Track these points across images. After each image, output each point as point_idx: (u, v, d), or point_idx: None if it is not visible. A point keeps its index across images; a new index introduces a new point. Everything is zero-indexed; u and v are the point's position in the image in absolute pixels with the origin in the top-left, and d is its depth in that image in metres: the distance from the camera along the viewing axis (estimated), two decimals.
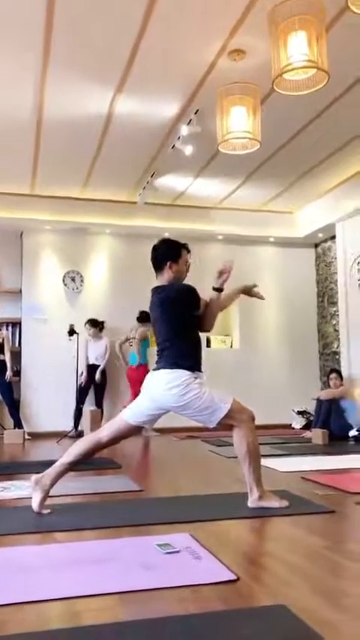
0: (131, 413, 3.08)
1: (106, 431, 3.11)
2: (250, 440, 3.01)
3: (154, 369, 3.08)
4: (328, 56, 3.45)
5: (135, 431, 3.13)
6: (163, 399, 2.98)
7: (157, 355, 3.11)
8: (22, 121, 5.28)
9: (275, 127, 5.33)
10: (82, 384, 7.33)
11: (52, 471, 3.04)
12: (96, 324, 7.41)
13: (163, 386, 2.95)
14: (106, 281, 7.95)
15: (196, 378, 2.97)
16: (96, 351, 7.42)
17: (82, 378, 7.33)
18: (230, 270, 3.15)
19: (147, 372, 3.35)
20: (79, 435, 6.79)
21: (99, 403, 7.38)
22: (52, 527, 2.73)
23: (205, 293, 3.19)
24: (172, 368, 2.97)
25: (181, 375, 2.94)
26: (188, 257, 3.22)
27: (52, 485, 3.02)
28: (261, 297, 3.43)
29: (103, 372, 7.40)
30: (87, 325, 7.38)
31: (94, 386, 7.41)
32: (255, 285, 3.38)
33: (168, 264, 3.14)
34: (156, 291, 3.20)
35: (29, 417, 7.30)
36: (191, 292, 3.09)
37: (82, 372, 7.33)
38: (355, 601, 1.82)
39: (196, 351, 3.10)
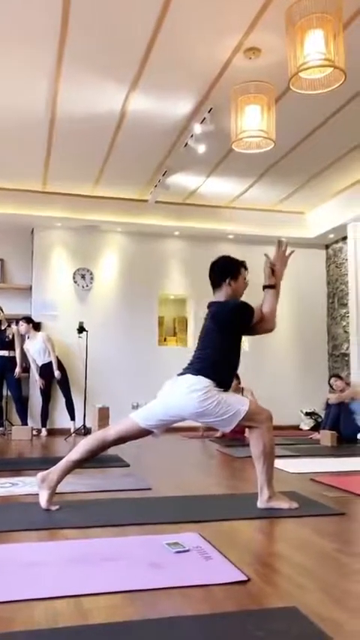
0: (142, 415, 3.04)
1: (113, 430, 3.08)
2: (267, 440, 2.99)
3: (178, 374, 3.06)
4: (345, 55, 3.42)
5: (143, 434, 3.07)
6: (183, 403, 2.93)
7: (189, 362, 3.10)
8: (34, 117, 5.28)
9: (289, 127, 5.30)
10: (42, 387, 7.16)
11: (58, 468, 3.02)
12: (30, 321, 7.20)
13: (184, 390, 2.92)
14: (116, 279, 7.95)
15: (215, 387, 2.95)
16: (34, 348, 7.13)
17: (39, 383, 7.13)
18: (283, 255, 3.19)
19: None
20: (83, 432, 6.80)
21: (68, 396, 7.21)
22: (60, 524, 2.72)
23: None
24: (195, 375, 2.96)
25: (203, 381, 2.92)
26: (246, 274, 3.22)
27: (58, 482, 3.01)
28: (285, 249, 3.30)
29: (61, 366, 7.14)
30: (21, 322, 7.12)
31: (57, 382, 7.19)
32: (268, 257, 3.26)
33: (227, 280, 3.14)
34: (211, 305, 3.21)
35: (36, 414, 7.31)
36: (245, 309, 3.08)
37: (36, 380, 7.16)
38: None
39: (229, 371, 3.08)
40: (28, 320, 7.19)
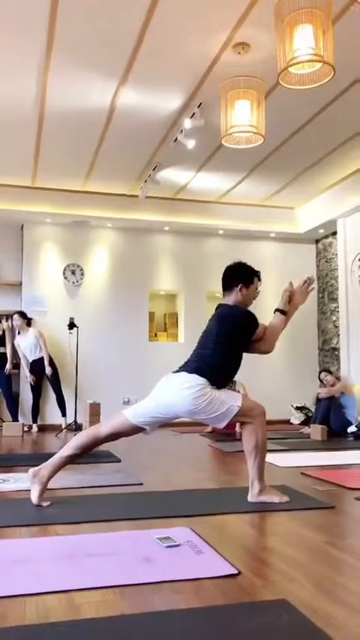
0: (134, 411, 3.05)
1: (105, 426, 3.09)
2: (260, 435, 3.01)
3: (174, 372, 3.06)
4: (334, 50, 3.43)
5: (135, 430, 3.08)
6: (175, 400, 2.94)
7: (187, 360, 3.11)
8: (24, 112, 5.24)
9: (278, 122, 5.31)
10: (32, 384, 7.11)
11: (49, 464, 3.02)
12: (25, 316, 7.16)
13: (177, 387, 2.93)
14: (107, 274, 7.93)
15: (209, 385, 2.95)
16: (25, 342, 7.09)
17: (30, 379, 7.09)
18: (308, 288, 3.27)
19: None
20: (72, 428, 6.80)
21: (58, 392, 7.16)
22: (51, 519, 2.73)
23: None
24: (191, 373, 2.96)
25: (198, 379, 2.93)
26: (258, 285, 3.24)
27: (49, 478, 3.01)
28: (309, 284, 3.36)
29: (52, 362, 7.09)
30: (16, 316, 7.08)
31: (48, 378, 7.14)
32: (290, 285, 3.33)
33: (239, 286, 3.17)
34: (219, 306, 3.24)
35: (27, 410, 7.29)
36: (251, 319, 3.11)
37: (27, 376, 7.11)
38: (355, 596, 1.82)
39: (226, 374, 3.09)
40: (22, 315, 7.16)
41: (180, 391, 2.92)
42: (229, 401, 2.95)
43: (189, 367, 3.01)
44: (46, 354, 7.06)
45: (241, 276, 3.20)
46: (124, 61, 4.42)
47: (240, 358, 3.16)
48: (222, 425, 3.01)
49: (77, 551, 2.24)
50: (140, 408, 3.04)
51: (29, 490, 3.02)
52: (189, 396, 2.90)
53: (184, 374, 2.98)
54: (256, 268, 3.29)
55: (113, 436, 3.07)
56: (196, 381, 2.92)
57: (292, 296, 3.27)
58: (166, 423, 3.25)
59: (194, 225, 7.86)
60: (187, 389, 2.90)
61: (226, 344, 3.06)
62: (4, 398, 7.12)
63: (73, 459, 3.08)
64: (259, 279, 3.25)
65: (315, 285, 8.52)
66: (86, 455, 3.14)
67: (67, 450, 3.04)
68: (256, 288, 3.24)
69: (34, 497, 2.97)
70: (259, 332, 3.15)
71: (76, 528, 2.59)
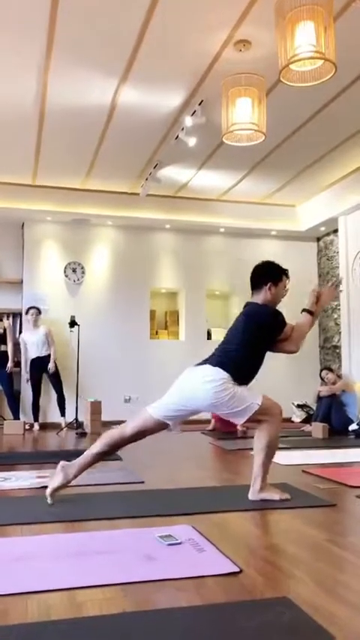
0: (157, 406, 3.03)
1: (130, 425, 3.05)
2: (273, 435, 3.01)
3: (197, 364, 3.06)
4: (335, 47, 3.42)
5: (160, 426, 3.04)
6: (197, 393, 2.93)
7: (212, 353, 3.10)
8: (24, 110, 5.24)
9: (279, 120, 5.30)
10: (28, 381, 7.14)
11: (79, 461, 3.00)
12: (40, 312, 7.23)
13: (200, 379, 2.93)
14: (107, 272, 7.93)
15: (231, 380, 2.94)
16: (33, 339, 7.14)
17: (27, 377, 7.12)
18: (333, 291, 3.30)
19: None
20: (73, 426, 6.80)
21: (59, 392, 7.19)
22: (53, 517, 2.73)
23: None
24: (214, 366, 2.96)
25: (221, 373, 2.92)
26: (287, 282, 3.24)
27: (75, 476, 2.98)
28: (337, 286, 3.40)
29: (55, 362, 7.16)
30: (32, 310, 7.17)
31: (50, 377, 7.17)
32: (318, 285, 3.36)
33: (268, 285, 3.16)
34: (248, 304, 3.24)
35: (28, 408, 7.29)
36: (278, 318, 3.10)
37: (26, 372, 7.13)
38: (357, 594, 1.82)
39: (250, 371, 3.07)
40: (39, 310, 7.24)
41: (202, 384, 2.92)
42: (249, 398, 2.94)
43: (213, 361, 3.01)
44: (54, 351, 7.13)
45: (269, 274, 3.20)
46: (125, 60, 4.42)
47: (263, 357, 3.15)
48: (242, 421, 3.00)
49: (79, 549, 2.24)
50: (162, 402, 3.03)
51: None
52: (211, 389, 2.89)
53: (207, 366, 2.97)
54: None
55: (139, 434, 3.04)
56: (218, 374, 2.92)
57: (319, 296, 3.27)
58: None
59: (195, 223, 7.86)
60: (209, 382, 2.90)
61: (251, 341, 3.06)
62: (6, 396, 7.13)
63: (101, 457, 3.04)
64: (288, 278, 3.24)
65: (317, 284, 8.54)
66: (114, 453, 3.11)
67: (96, 447, 3.00)
68: (285, 287, 3.23)
69: (51, 487, 2.94)
70: (287, 331, 3.14)
71: (78, 526, 2.59)
